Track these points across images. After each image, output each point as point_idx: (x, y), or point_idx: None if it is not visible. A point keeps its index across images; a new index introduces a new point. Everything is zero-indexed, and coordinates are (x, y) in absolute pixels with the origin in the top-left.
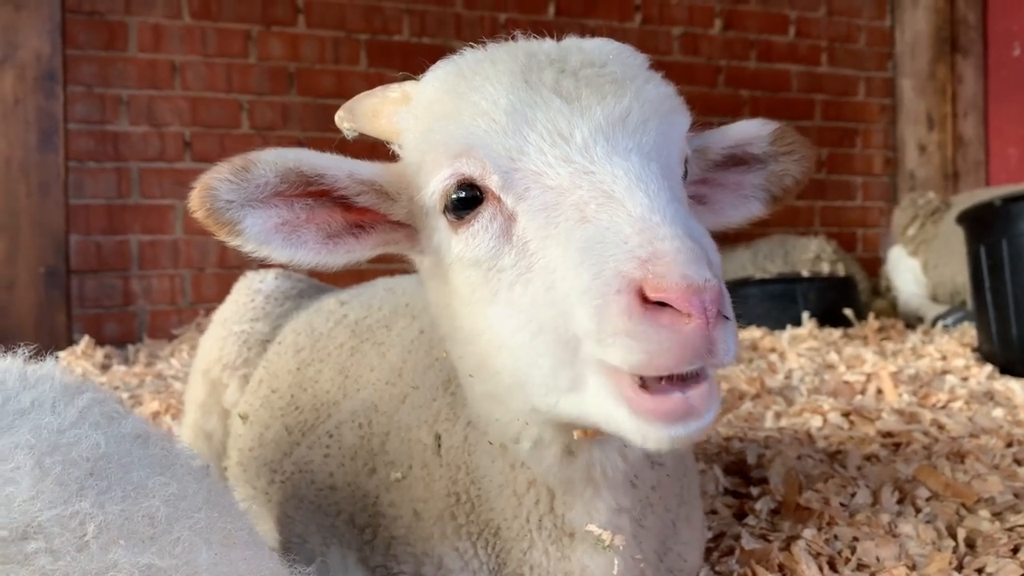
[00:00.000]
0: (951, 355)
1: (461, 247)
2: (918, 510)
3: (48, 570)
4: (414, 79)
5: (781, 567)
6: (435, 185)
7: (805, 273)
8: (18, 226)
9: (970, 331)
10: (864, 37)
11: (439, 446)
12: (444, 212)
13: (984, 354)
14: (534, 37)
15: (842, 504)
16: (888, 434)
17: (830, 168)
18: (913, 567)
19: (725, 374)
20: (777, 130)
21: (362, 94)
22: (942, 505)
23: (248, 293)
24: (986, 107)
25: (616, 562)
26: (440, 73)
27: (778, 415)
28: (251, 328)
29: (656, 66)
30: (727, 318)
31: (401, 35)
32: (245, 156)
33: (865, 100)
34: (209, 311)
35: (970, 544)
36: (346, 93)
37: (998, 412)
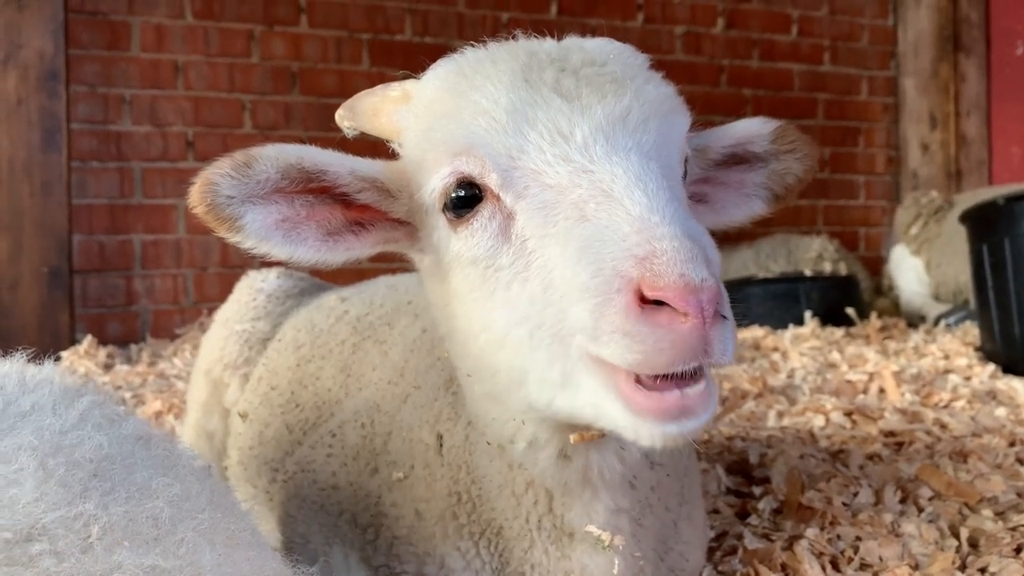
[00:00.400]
0: (954, 354)
1: (460, 245)
2: (921, 510)
3: (52, 572)
4: (414, 78)
5: (784, 567)
6: (435, 183)
7: (808, 272)
8: (21, 226)
9: (972, 330)
10: (867, 36)
11: (441, 446)
12: (443, 210)
13: (987, 353)
14: (535, 36)
15: (844, 504)
16: (891, 433)
17: (833, 167)
18: (916, 567)
19: (727, 373)
20: (778, 128)
21: (362, 93)
22: (945, 505)
23: (250, 292)
24: (989, 106)
25: (616, 561)
26: (441, 72)
27: (780, 414)
28: (252, 327)
29: (658, 65)
30: (725, 318)
31: (403, 34)
32: (246, 151)
33: (868, 99)
34: (212, 310)
35: (973, 544)
36: (349, 92)
37: (1001, 411)
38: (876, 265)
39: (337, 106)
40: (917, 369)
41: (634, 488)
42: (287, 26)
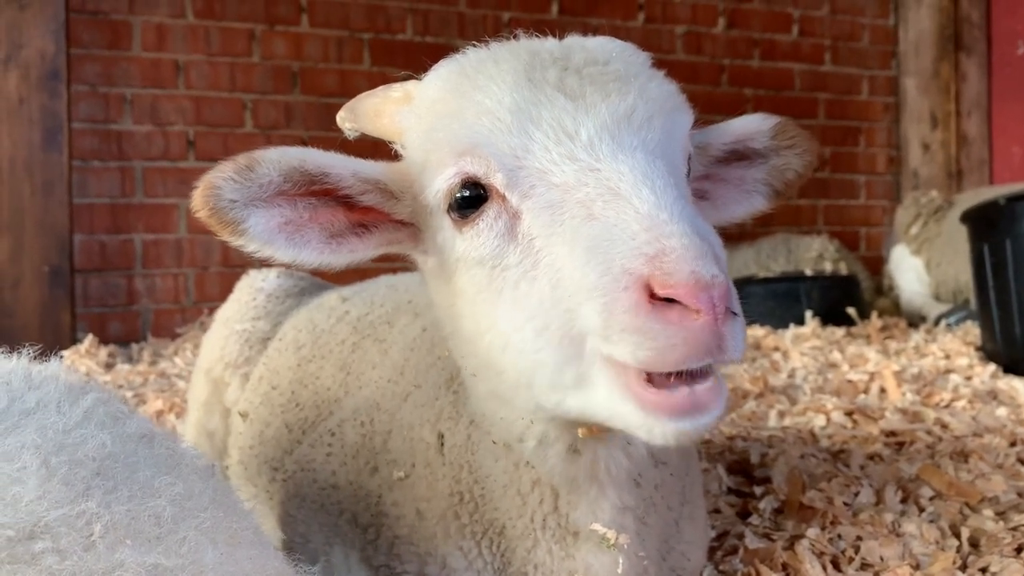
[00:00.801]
0: (954, 354)
1: (465, 246)
2: (922, 509)
3: (55, 570)
4: (416, 78)
5: (785, 566)
6: (439, 184)
7: (808, 272)
8: (22, 225)
9: (973, 330)
10: (868, 35)
11: (442, 445)
12: (448, 211)
13: (987, 353)
14: (536, 36)
15: (845, 503)
16: (892, 433)
17: (833, 167)
18: (917, 566)
19: (728, 373)
20: (778, 124)
21: (364, 94)
22: (946, 504)
23: (250, 292)
24: (990, 105)
25: (620, 561)
26: (443, 72)
27: (781, 414)
28: (253, 327)
29: (659, 64)
30: (735, 314)
31: (404, 34)
32: (249, 155)
33: (869, 99)
34: (213, 310)
35: (974, 544)
36: (350, 92)
37: (1002, 411)
38: (877, 265)
39: (338, 106)
40: (918, 369)
41: (639, 486)
42: (288, 25)
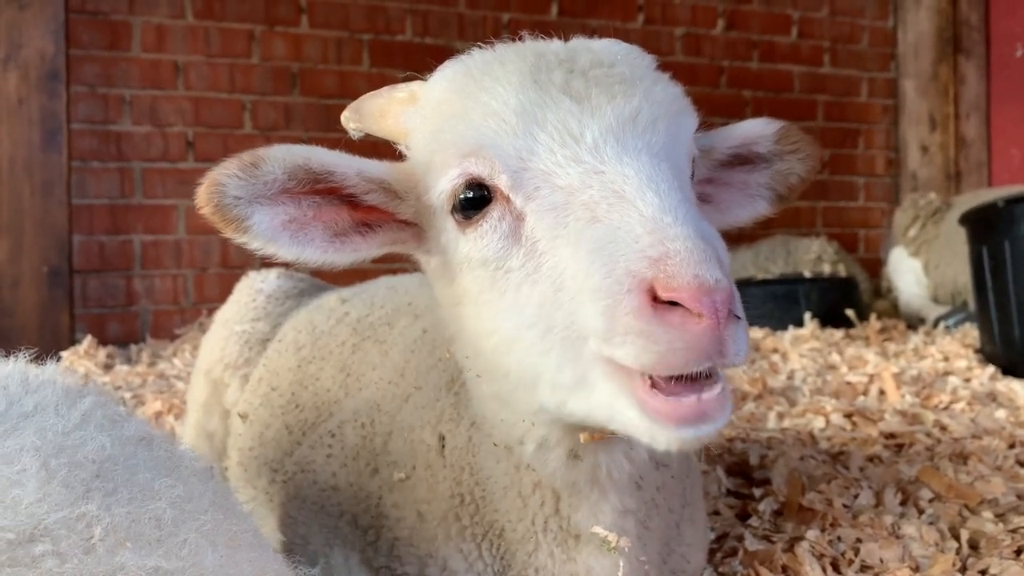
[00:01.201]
0: (953, 356)
1: (469, 247)
2: (921, 511)
3: (55, 572)
4: (420, 79)
5: (785, 568)
6: (443, 185)
7: (807, 274)
8: (21, 226)
9: (972, 332)
10: (867, 38)
11: (443, 447)
12: (452, 212)
13: (986, 355)
14: (541, 37)
15: (845, 505)
16: (891, 435)
17: (832, 169)
18: (917, 568)
19: (727, 374)
20: (782, 129)
21: (368, 94)
22: (945, 506)
23: (250, 293)
24: (988, 108)
25: (621, 564)
26: (448, 73)
27: (780, 416)
28: (252, 328)
29: (659, 66)
30: (738, 318)
31: (404, 35)
32: (254, 152)
33: (867, 101)
34: (212, 311)
35: (973, 546)
36: (349, 93)
37: (1000, 413)
38: (875, 267)
39: (338, 107)
40: (917, 371)
41: (640, 489)
42: (288, 26)
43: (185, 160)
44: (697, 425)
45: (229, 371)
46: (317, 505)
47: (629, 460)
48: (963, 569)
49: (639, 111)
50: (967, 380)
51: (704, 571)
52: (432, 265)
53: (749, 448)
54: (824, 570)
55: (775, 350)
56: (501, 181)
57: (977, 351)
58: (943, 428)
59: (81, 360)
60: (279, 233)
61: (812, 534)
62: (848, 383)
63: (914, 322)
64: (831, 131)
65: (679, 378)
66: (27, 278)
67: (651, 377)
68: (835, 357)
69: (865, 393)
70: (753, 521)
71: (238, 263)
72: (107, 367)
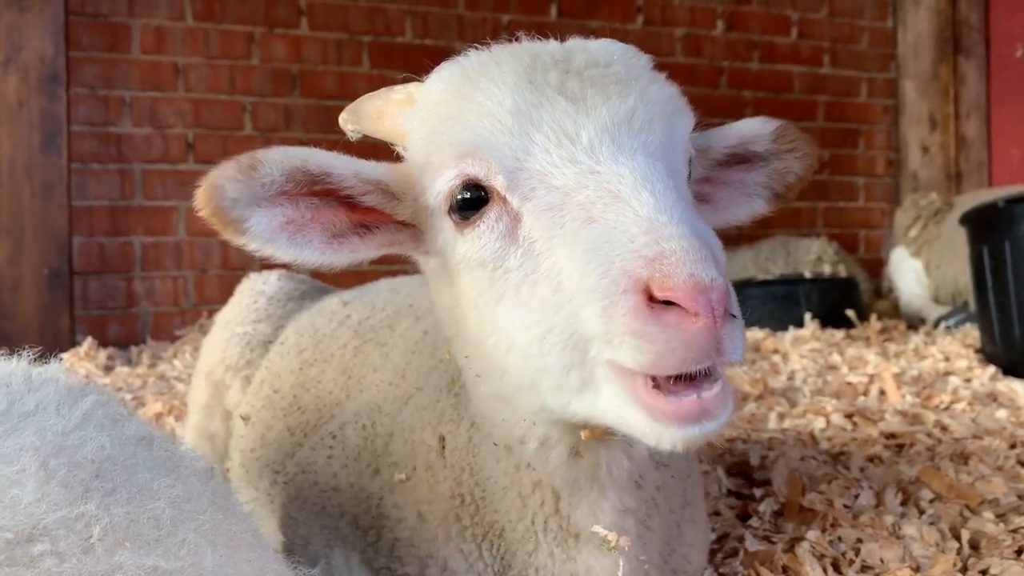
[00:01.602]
0: (954, 356)
1: (467, 248)
2: (921, 512)
3: (54, 572)
4: (418, 80)
5: (785, 569)
6: (440, 186)
7: (807, 274)
8: (22, 228)
9: (972, 332)
10: (866, 38)
11: (443, 447)
12: (449, 213)
13: (987, 355)
14: (538, 38)
15: (846, 506)
16: (891, 435)
17: (832, 169)
18: (917, 569)
19: (728, 375)
20: (779, 128)
21: (366, 96)
22: (945, 507)
23: (251, 295)
24: (988, 108)
25: (621, 563)
26: (445, 74)
27: (781, 416)
28: (254, 330)
29: (658, 67)
30: (734, 317)
31: (404, 36)
32: (252, 154)
33: (867, 101)
34: (212, 312)
35: (974, 546)
36: (349, 95)
37: (1001, 413)
38: (876, 267)
39: (337, 108)
40: (917, 371)
41: (640, 488)
42: (287, 28)
43: (185, 162)
44: (699, 423)
45: (230, 373)
46: (318, 506)
47: (629, 458)
48: (964, 569)
49: (634, 111)
50: (968, 380)
51: (705, 571)
52: (431, 266)
53: (750, 448)
54: (825, 570)
55: (776, 351)
56: (497, 182)
57: (978, 351)
58: (944, 428)
59: (81, 362)
60: (277, 234)
61: (812, 534)
62: (849, 383)
63: (915, 322)
64: (831, 131)
65: (679, 378)
66: (27, 280)
67: (653, 378)
68: (836, 357)
69: (865, 393)
70: (754, 521)
71: (238, 265)
72: (107, 369)
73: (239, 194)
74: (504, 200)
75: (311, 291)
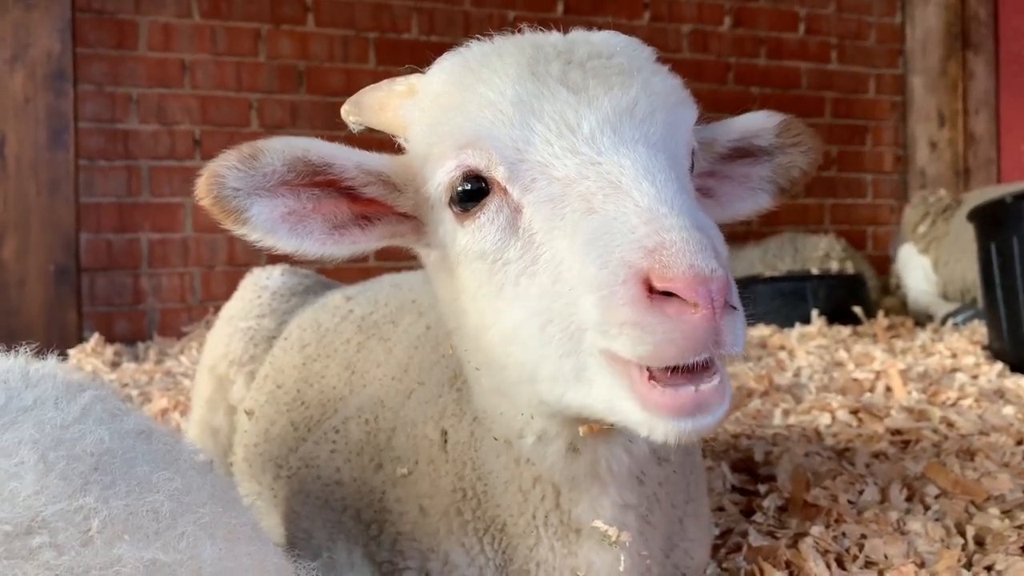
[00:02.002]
0: (961, 353)
1: (467, 239)
2: (927, 508)
3: (52, 564)
4: (420, 72)
5: (788, 564)
6: (441, 177)
7: (814, 271)
8: (28, 224)
9: (980, 329)
10: (874, 34)
11: (445, 442)
12: (450, 204)
13: (994, 352)
14: (541, 30)
15: (850, 501)
16: (897, 432)
17: (840, 166)
18: (922, 565)
19: (733, 371)
20: (783, 122)
21: (368, 87)
22: (951, 503)
23: (254, 289)
24: (997, 103)
25: (622, 558)
26: (447, 65)
27: (786, 412)
28: (257, 324)
29: (665, 63)
30: (734, 308)
31: (410, 33)
32: (253, 144)
33: (875, 97)
34: (219, 309)
35: (979, 542)
36: (355, 91)
37: (1008, 410)
38: (884, 264)
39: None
40: (924, 367)
41: (642, 484)
42: (294, 25)
43: (192, 158)
44: (695, 416)
45: (234, 367)
46: (321, 500)
47: (628, 454)
48: (968, 565)
49: (636, 102)
50: (975, 377)
51: (708, 567)
52: (431, 258)
53: (754, 445)
54: (828, 566)
55: (782, 347)
56: (498, 173)
57: (985, 348)
58: (950, 425)
59: (88, 358)
60: (278, 225)
61: (816, 530)
62: (855, 380)
63: (923, 319)
64: (839, 128)
65: (677, 369)
66: (34, 276)
67: (649, 369)
68: (842, 354)
69: (872, 390)
70: (758, 517)
71: (245, 261)
72: (114, 365)
73: (240, 184)
74: (505, 191)
75: (314, 286)
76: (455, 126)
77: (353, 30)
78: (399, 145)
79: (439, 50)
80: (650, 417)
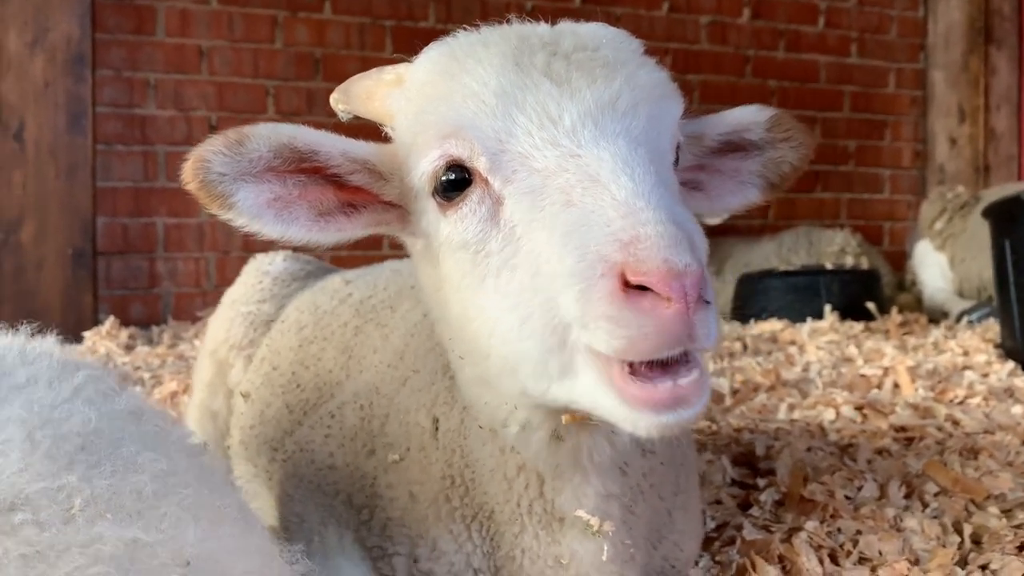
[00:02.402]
0: (973, 351)
1: (450, 230)
2: (926, 505)
3: (34, 541)
4: (409, 61)
5: (781, 558)
6: (424, 166)
7: (828, 265)
8: (47, 207)
9: (994, 327)
10: (896, 27)
11: (436, 429)
12: (433, 194)
13: (1007, 350)
14: (529, 21)
15: (848, 497)
16: (901, 428)
17: (858, 160)
18: (916, 562)
19: (740, 366)
20: (774, 116)
21: (357, 76)
22: (951, 501)
23: (256, 275)
24: (1020, 99)
25: (605, 548)
26: (433, 55)
27: (791, 407)
28: (258, 309)
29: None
30: (708, 303)
31: (427, 21)
32: (239, 129)
33: (895, 92)
34: None
35: (976, 541)
36: None
37: (1017, 409)
38: (900, 260)
39: None
40: (933, 365)
41: (625, 474)
42: (311, 12)
43: None
44: (674, 410)
45: (234, 351)
46: (314, 484)
47: (611, 444)
48: (963, 563)
49: (619, 95)
50: (985, 375)
51: (701, 559)
52: (417, 247)
53: (756, 439)
54: (821, 561)
55: (792, 342)
56: (480, 163)
57: (997, 346)
58: (955, 423)
59: (103, 340)
60: (264, 211)
61: (811, 525)
62: (862, 376)
63: (937, 316)
64: (857, 122)
65: (657, 364)
66: (51, 259)
67: (632, 364)
68: (852, 350)
69: (879, 386)
70: (754, 511)
71: (259, 247)
72: (128, 348)
73: (226, 169)
74: (486, 182)
75: (316, 271)
76: (439, 115)
77: (370, 18)
78: (387, 134)
79: None
80: (630, 411)
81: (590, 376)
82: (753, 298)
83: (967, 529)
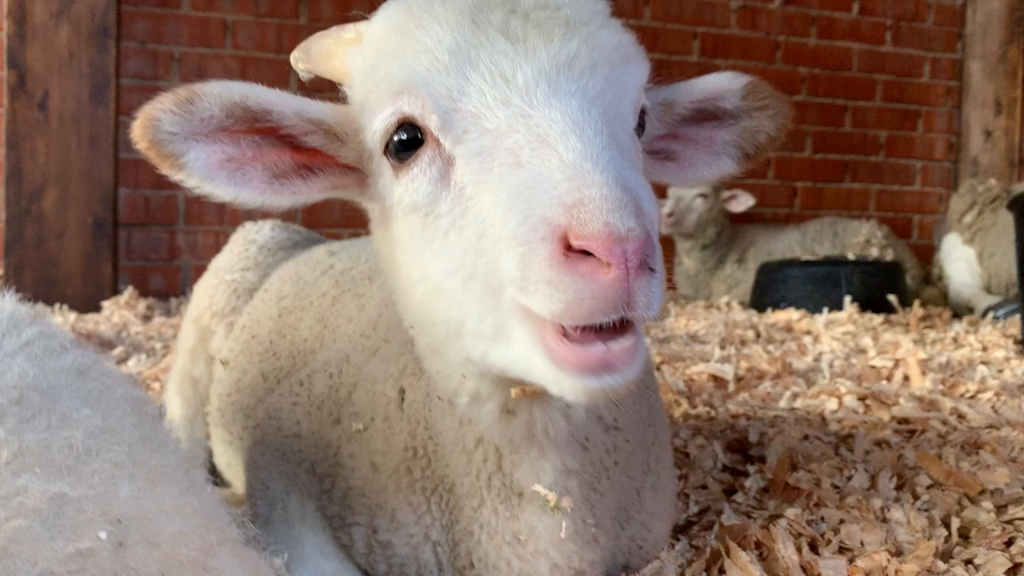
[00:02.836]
0: (992, 346)
1: (401, 191)
2: (917, 498)
3: None
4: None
5: (759, 544)
6: (377, 124)
7: (850, 256)
8: (69, 177)
9: (1018, 323)
10: (933, 16)
11: (403, 400)
12: (386, 154)
13: None
14: None
15: (835, 486)
16: (904, 420)
17: (888, 151)
18: (897, 553)
19: (747, 353)
20: (749, 84)
21: (317, 34)
22: (944, 494)
23: (243, 243)
24: None
25: (564, 525)
26: (390, 12)
27: (795, 396)
28: (241, 277)
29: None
30: (653, 270)
31: None
32: (190, 88)
33: (930, 82)
34: None
35: (964, 535)
36: None
37: None
38: (928, 253)
39: None
40: (946, 358)
41: (586, 450)
42: None
43: None
44: (601, 375)
45: (216, 319)
46: (279, 452)
47: (567, 418)
48: (945, 557)
49: (576, 55)
50: (1000, 371)
51: (678, 543)
52: (375, 213)
53: (751, 426)
54: (799, 549)
55: (808, 332)
56: (431, 122)
57: (1017, 342)
58: (960, 416)
59: (121, 310)
60: (216, 172)
61: (792, 512)
62: (872, 367)
63: (962, 311)
64: (890, 112)
65: (593, 329)
66: (73, 229)
67: (565, 329)
68: (867, 341)
69: (888, 378)
70: (738, 497)
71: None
72: (146, 318)
73: (176, 128)
74: (438, 142)
75: (304, 241)
76: (392, 72)
77: None
78: (344, 95)
79: None
80: (557, 373)
81: (524, 338)
82: (772, 287)
83: (955, 523)
